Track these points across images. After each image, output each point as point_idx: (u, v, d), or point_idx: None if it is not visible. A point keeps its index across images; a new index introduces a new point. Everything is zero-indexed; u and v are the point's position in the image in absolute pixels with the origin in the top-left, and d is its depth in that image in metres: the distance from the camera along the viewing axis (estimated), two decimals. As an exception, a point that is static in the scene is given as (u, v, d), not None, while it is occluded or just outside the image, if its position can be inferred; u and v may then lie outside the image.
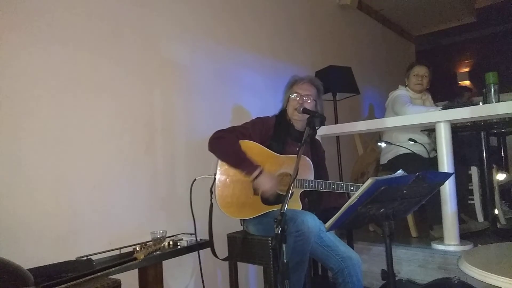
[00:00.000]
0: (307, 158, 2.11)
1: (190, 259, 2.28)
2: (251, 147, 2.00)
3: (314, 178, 2.06)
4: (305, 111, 1.98)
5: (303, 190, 2.05)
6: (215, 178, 1.98)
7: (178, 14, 2.45)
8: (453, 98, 3.73)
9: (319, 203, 2.15)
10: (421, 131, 2.94)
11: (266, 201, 2.01)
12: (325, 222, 1.57)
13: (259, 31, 3.13)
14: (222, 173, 1.99)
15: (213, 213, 2.06)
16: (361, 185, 1.96)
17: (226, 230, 2.25)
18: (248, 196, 2.01)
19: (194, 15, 2.55)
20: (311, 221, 1.80)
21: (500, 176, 3.14)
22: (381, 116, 3.34)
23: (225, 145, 1.97)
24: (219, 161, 1.99)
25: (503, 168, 3.39)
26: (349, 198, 2.07)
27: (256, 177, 1.92)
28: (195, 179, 2.12)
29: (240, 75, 2.90)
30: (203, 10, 2.63)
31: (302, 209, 2.02)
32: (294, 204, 2.04)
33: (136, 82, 2.16)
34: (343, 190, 1.99)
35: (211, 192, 2.01)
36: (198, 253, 2.08)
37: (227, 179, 1.99)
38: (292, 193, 2.03)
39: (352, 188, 1.96)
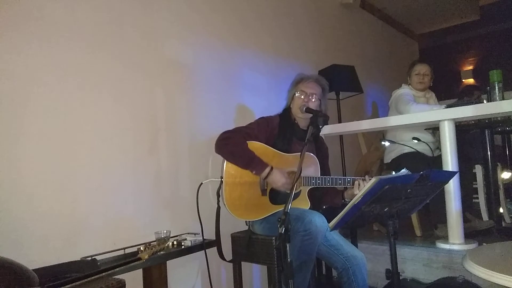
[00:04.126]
0: (313, 155, 2.11)
1: (194, 259, 2.28)
2: (257, 148, 2.00)
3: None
4: (308, 110, 1.98)
5: (310, 187, 2.05)
6: (221, 181, 1.97)
7: (181, 13, 2.45)
8: (462, 97, 3.70)
9: (320, 201, 2.16)
10: (425, 129, 2.93)
11: (274, 201, 2.01)
12: (328, 221, 1.57)
13: (262, 30, 3.13)
14: (229, 175, 1.97)
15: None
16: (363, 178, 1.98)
17: (230, 229, 2.26)
18: (257, 197, 2.00)
19: (197, 14, 2.56)
20: (319, 220, 1.80)
21: (505, 175, 3.12)
22: (385, 114, 3.33)
23: (233, 145, 1.96)
24: (225, 163, 1.97)
25: (507, 166, 3.37)
26: (344, 197, 2.11)
27: (267, 175, 1.92)
28: (201, 183, 2.11)
29: (243, 74, 2.90)
30: (206, 10, 2.63)
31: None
32: (302, 202, 2.04)
33: (139, 82, 2.17)
34: (350, 185, 1.99)
35: (218, 195, 2.01)
36: (205, 253, 2.08)
37: (235, 182, 1.97)
38: (299, 191, 2.03)
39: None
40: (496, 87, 2.46)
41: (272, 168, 1.92)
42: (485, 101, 2.45)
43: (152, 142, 2.21)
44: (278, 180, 1.92)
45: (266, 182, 1.98)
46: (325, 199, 2.19)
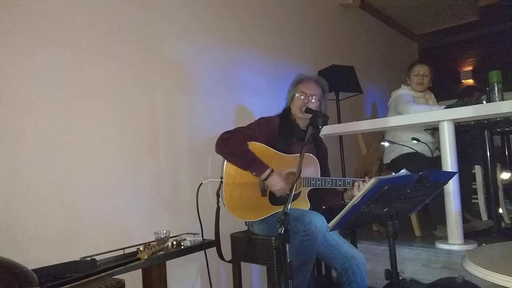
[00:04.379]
0: (313, 156, 2.11)
1: (194, 259, 2.28)
2: (257, 148, 2.00)
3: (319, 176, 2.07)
4: (307, 110, 1.98)
5: (310, 188, 2.05)
6: (221, 181, 1.97)
7: (179, 14, 2.45)
8: (462, 98, 3.71)
9: (320, 202, 2.16)
10: (425, 130, 2.93)
11: (274, 201, 2.01)
12: (328, 222, 1.57)
13: (261, 31, 3.13)
14: (229, 176, 1.97)
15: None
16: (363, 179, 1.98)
17: (230, 230, 2.26)
18: (257, 198, 2.00)
19: (195, 16, 2.56)
20: (319, 221, 1.80)
21: (505, 175, 3.12)
22: (384, 115, 3.33)
23: (233, 146, 1.95)
24: (225, 163, 1.97)
25: (507, 167, 3.37)
26: (343, 198, 2.11)
27: (267, 177, 1.92)
28: (201, 183, 2.12)
29: (242, 75, 2.90)
30: (205, 11, 2.63)
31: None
32: (301, 203, 2.04)
33: (138, 83, 2.17)
34: (349, 186, 2.00)
35: (218, 195, 2.01)
36: (205, 253, 2.08)
37: (235, 182, 1.97)
38: (299, 192, 2.03)
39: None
40: (496, 88, 2.46)
41: (272, 170, 1.92)
42: (484, 102, 2.45)
43: (152, 142, 2.21)
44: (276, 183, 1.92)
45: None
46: (324, 200, 2.19)
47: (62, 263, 1.59)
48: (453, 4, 5.50)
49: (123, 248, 1.89)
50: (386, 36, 5.58)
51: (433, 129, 2.87)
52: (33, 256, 1.59)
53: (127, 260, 1.61)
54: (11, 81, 1.66)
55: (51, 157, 1.76)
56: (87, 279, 1.40)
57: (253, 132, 2.05)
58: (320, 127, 1.81)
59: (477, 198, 2.92)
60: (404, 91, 3.01)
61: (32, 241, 1.65)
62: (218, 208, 2.05)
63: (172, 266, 2.08)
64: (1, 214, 1.58)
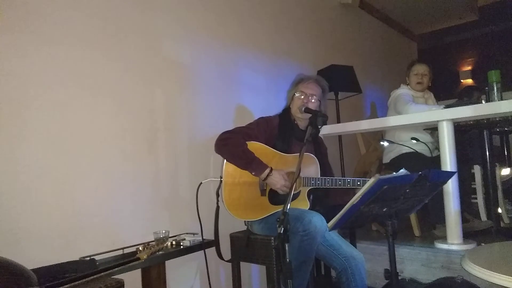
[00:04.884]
0: (313, 156, 2.11)
1: (193, 259, 2.28)
2: (257, 148, 2.00)
3: (320, 176, 2.06)
4: (307, 110, 1.98)
5: (310, 188, 2.05)
6: (221, 181, 1.97)
7: (180, 14, 2.45)
8: (462, 98, 3.71)
9: (323, 200, 2.16)
10: (424, 130, 2.93)
11: (274, 201, 2.01)
12: (327, 221, 1.57)
13: (260, 31, 3.13)
14: (229, 175, 1.97)
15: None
16: (367, 180, 1.97)
17: (229, 229, 2.26)
18: (256, 198, 2.00)
19: (195, 15, 2.55)
20: (318, 221, 1.80)
21: (505, 171, 3.12)
22: (384, 115, 3.33)
23: (232, 146, 1.96)
24: (225, 163, 1.97)
25: (506, 166, 3.37)
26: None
27: (267, 176, 1.92)
28: (201, 183, 2.12)
29: (242, 74, 2.90)
30: (205, 10, 2.63)
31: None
32: (301, 203, 2.04)
33: (138, 82, 2.16)
34: (349, 186, 1.99)
35: (217, 195, 2.01)
36: (205, 252, 2.08)
37: (234, 181, 1.98)
38: (299, 192, 2.03)
39: (359, 183, 1.97)
40: (495, 88, 2.46)
41: (271, 169, 1.92)
42: (483, 102, 2.45)
43: (151, 142, 2.21)
44: (277, 182, 1.92)
45: (266, 183, 1.99)
46: (334, 198, 2.18)
47: (61, 263, 1.59)
48: (452, 4, 5.50)
49: (123, 248, 1.88)
50: (385, 36, 5.58)
51: (433, 129, 2.87)
52: (32, 256, 1.59)
53: (126, 260, 1.61)
54: (11, 81, 1.65)
55: (51, 157, 1.76)
56: (86, 279, 1.40)
57: (253, 132, 2.05)
58: (319, 127, 1.81)
59: (476, 198, 2.93)
60: (403, 91, 3.01)
61: (32, 241, 1.65)
62: (218, 207, 2.05)
63: (172, 266, 2.08)
64: (1, 214, 1.57)
